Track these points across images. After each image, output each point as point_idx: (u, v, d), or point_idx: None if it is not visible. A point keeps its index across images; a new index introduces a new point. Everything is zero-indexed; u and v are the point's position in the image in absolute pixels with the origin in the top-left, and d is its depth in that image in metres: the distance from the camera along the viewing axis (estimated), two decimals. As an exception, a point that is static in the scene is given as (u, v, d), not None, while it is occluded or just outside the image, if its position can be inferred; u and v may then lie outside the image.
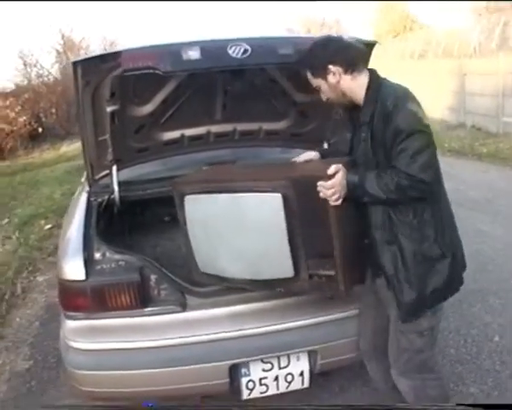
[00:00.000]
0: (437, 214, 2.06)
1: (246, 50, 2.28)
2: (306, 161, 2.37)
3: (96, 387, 2.35)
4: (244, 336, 2.35)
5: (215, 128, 3.16)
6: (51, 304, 4.11)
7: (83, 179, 3.47)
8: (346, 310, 2.44)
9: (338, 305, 2.43)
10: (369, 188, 2.00)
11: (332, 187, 1.98)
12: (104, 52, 2.36)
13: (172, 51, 2.27)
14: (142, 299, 2.31)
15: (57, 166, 10.96)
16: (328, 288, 2.15)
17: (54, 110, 16.01)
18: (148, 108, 2.87)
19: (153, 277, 2.35)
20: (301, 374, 2.41)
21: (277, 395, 2.44)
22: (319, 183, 2.00)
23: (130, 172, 3.15)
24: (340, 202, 2.00)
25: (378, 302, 2.25)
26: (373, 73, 2.15)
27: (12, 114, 14.07)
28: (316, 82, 2.15)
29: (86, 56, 2.36)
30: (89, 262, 2.31)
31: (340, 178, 2.00)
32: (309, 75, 2.16)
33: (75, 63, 2.30)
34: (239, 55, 2.27)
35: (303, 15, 32.07)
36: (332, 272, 2.08)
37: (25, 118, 14.37)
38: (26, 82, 16.45)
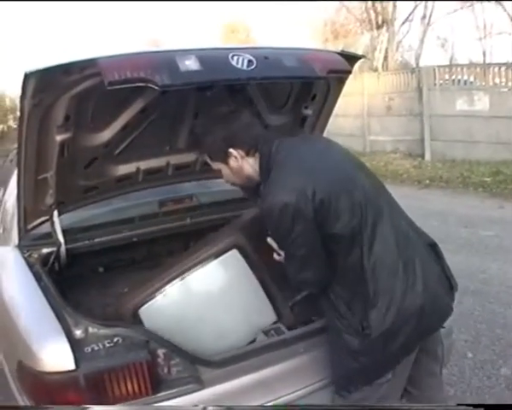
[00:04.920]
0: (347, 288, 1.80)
1: (250, 62, 1.92)
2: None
3: None
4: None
5: (175, 159, 2.65)
6: None
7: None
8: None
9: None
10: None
11: None
12: (67, 61, 1.78)
13: (167, 60, 1.81)
14: (154, 382, 1.78)
15: None
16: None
17: None
18: (104, 136, 2.28)
19: (160, 352, 1.83)
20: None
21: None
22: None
23: (72, 217, 2.55)
24: None
25: None
26: (264, 148, 1.87)
27: None
28: (216, 166, 1.99)
29: (44, 66, 1.75)
30: (73, 344, 1.72)
31: None
32: (207, 159, 2.02)
33: (27, 76, 1.73)
34: (244, 67, 1.90)
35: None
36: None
37: None
38: None
